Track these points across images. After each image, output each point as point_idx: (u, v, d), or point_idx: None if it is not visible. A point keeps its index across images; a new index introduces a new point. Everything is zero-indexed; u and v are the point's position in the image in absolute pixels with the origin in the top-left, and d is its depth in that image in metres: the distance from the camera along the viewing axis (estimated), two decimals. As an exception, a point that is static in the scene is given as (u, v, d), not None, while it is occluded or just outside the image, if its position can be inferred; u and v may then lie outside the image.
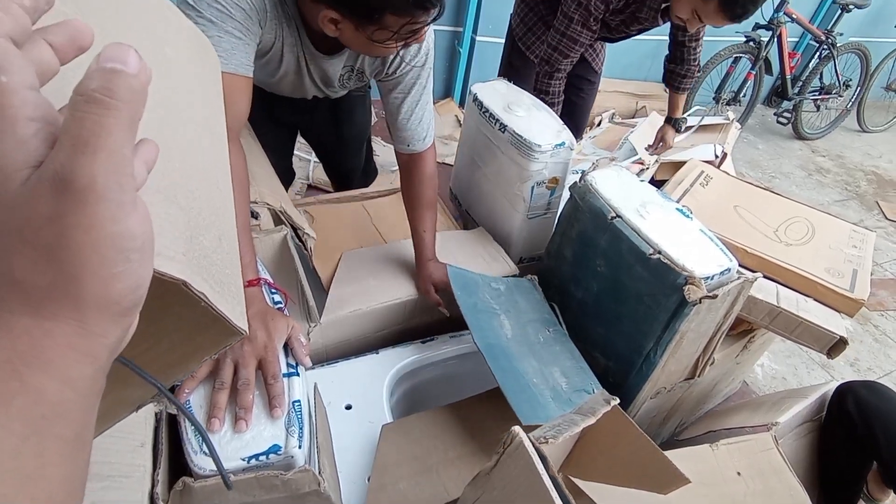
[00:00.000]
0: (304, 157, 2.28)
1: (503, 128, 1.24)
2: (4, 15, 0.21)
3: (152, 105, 0.32)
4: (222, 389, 0.64)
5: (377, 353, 1.12)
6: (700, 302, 0.91)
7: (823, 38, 3.22)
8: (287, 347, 0.73)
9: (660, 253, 0.95)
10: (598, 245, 1.07)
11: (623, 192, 1.07)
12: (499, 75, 1.92)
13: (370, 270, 1.15)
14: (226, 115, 0.51)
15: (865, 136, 3.87)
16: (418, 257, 1.16)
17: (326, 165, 1.65)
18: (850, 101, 3.61)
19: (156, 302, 0.33)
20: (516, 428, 0.58)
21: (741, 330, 1.24)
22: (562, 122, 1.27)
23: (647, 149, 1.92)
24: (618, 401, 0.79)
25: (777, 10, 2.92)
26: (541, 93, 1.58)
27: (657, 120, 2.58)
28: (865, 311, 2.30)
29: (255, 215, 0.95)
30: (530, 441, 0.57)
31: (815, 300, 1.17)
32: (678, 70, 1.80)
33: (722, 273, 0.94)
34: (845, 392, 1.18)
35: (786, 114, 3.42)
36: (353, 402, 1.03)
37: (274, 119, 1.27)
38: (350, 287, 1.11)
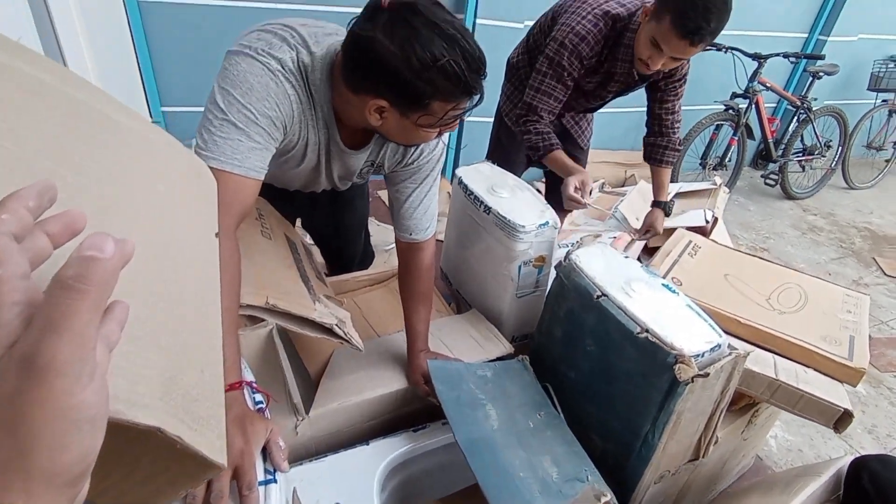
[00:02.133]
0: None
1: (487, 209, 1.27)
2: (10, 216, 0.26)
3: (142, 245, 0.34)
4: (193, 503, 0.61)
5: (367, 444, 1.08)
6: (692, 381, 0.89)
7: (799, 103, 3.35)
8: (266, 451, 0.71)
9: (647, 331, 0.94)
10: (586, 324, 1.06)
11: (608, 270, 1.07)
12: (487, 153, 1.99)
13: (360, 364, 1.13)
14: (228, 213, 0.54)
15: (854, 192, 3.93)
16: (410, 349, 1.15)
17: (324, 250, 1.67)
18: (834, 160, 3.71)
19: (133, 442, 0.34)
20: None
21: (743, 405, 1.20)
22: (545, 202, 1.30)
23: (632, 235, 1.88)
24: (608, 497, 0.75)
25: (751, 80, 3.06)
26: (525, 134, 1.57)
27: (645, 188, 2.63)
28: (877, 373, 2.23)
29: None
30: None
31: (815, 370, 1.14)
32: (658, 142, 1.76)
33: (712, 349, 0.93)
34: (860, 468, 1.12)
35: (772, 175, 3.50)
36: (342, 498, 0.99)
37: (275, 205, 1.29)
38: (340, 380, 1.09)
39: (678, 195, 2.58)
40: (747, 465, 1.58)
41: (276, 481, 0.65)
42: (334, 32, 0.91)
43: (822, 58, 3.27)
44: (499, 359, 1.24)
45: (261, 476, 0.65)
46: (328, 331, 0.99)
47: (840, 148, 3.67)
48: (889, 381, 2.19)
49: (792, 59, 3.07)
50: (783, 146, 3.45)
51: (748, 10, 3.28)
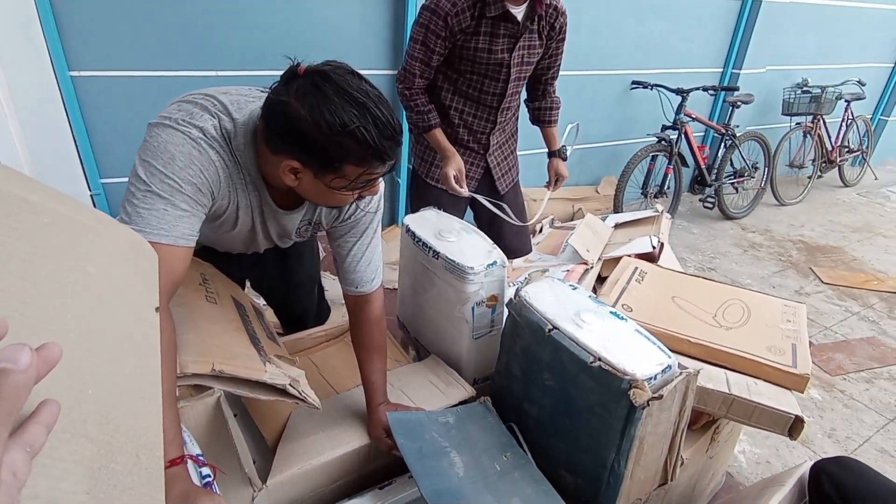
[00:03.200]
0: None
1: (436, 254, 1.28)
2: None
3: (71, 333, 0.33)
4: None
5: (334, 510, 1.04)
6: (648, 404, 0.91)
7: (724, 131, 3.59)
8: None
9: (600, 360, 0.95)
10: (542, 359, 1.07)
11: (557, 303, 1.10)
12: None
13: (319, 424, 1.10)
14: (160, 282, 0.52)
15: (785, 208, 4.18)
16: (369, 403, 1.14)
17: (277, 310, 1.63)
18: (763, 180, 3.95)
19: None
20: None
21: (703, 423, 1.22)
22: (492, 242, 1.33)
23: (546, 187, 2.05)
24: None
25: (678, 113, 3.28)
26: (409, 111, 1.63)
27: (592, 220, 2.72)
28: (828, 377, 2.32)
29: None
30: None
31: (764, 380, 1.18)
32: (544, 105, 1.89)
33: (664, 371, 0.95)
34: (819, 473, 1.15)
35: (709, 199, 3.69)
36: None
37: (220, 268, 1.26)
38: (298, 443, 1.05)
39: (621, 225, 2.69)
40: (719, 484, 1.59)
41: (227, 560, 0.61)
42: (257, 98, 0.93)
43: (736, 89, 3.54)
44: (461, 403, 1.23)
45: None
46: (282, 391, 0.96)
47: (766, 168, 3.92)
48: (840, 385, 2.28)
49: (710, 92, 3.31)
50: (716, 171, 3.67)
51: (669, 49, 3.55)
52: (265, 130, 0.86)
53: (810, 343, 2.50)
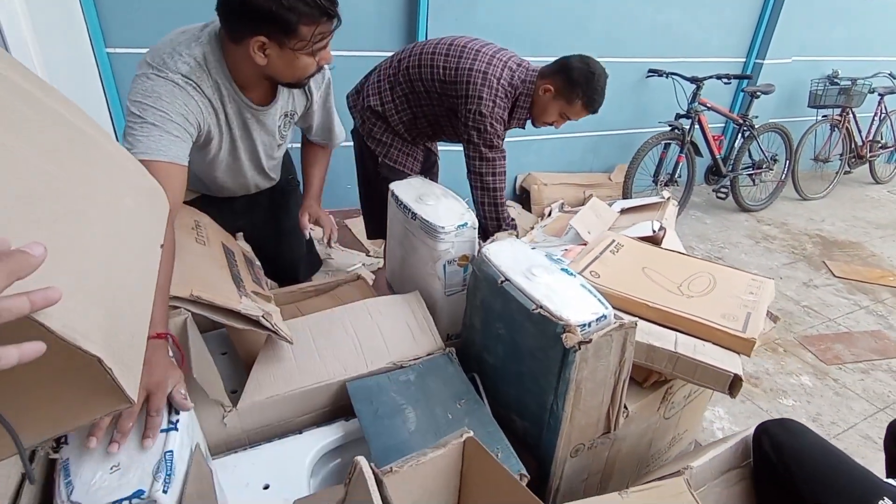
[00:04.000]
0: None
1: (414, 216, 1.38)
2: None
3: (108, 238, 0.57)
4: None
5: (300, 433, 1.16)
6: (579, 348, 0.99)
7: (741, 121, 3.56)
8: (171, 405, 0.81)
9: (541, 307, 1.04)
10: (496, 309, 1.16)
11: (513, 259, 1.18)
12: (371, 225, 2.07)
13: (294, 355, 1.22)
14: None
15: (807, 203, 4.10)
16: (305, 194, 1.55)
17: (272, 263, 1.75)
18: (783, 173, 3.89)
19: (65, 368, 0.48)
20: (359, 458, 0.64)
21: (653, 381, 1.29)
22: (466, 206, 1.42)
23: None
24: (470, 433, 0.83)
25: (692, 101, 3.27)
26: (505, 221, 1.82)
27: (597, 203, 2.76)
28: (823, 366, 2.32)
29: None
30: (370, 468, 0.63)
31: (714, 343, 1.24)
32: None
33: (598, 320, 1.03)
34: (761, 434, 1.20)
35: (723, 189, 3.67)
36: (272, 481, 1.06)
37: (215, 219, 1.42)
38: (271, 368, 1.17)
39: (627, 210, 2.72)
40: (685, 453, 1.65)
41: (177, 430, 0.73)
42: (209, 23, 1.12)
43: (750, 78, 3.50)
44: (429, 355, 1.32)
45: (164, 425, 0.73)
46: (255, 323, 1.08)
47: (787, 161, 3.86)
48: (834, 373, 2.28)
49: (725, 81, 3.28)
50: (732, 161, 3.63)
51: (687, 38, 3.53)
52: (226, 26, 1.05)
53: (811, 334, 2.51)
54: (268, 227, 1.59)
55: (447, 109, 1.71)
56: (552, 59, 3.14)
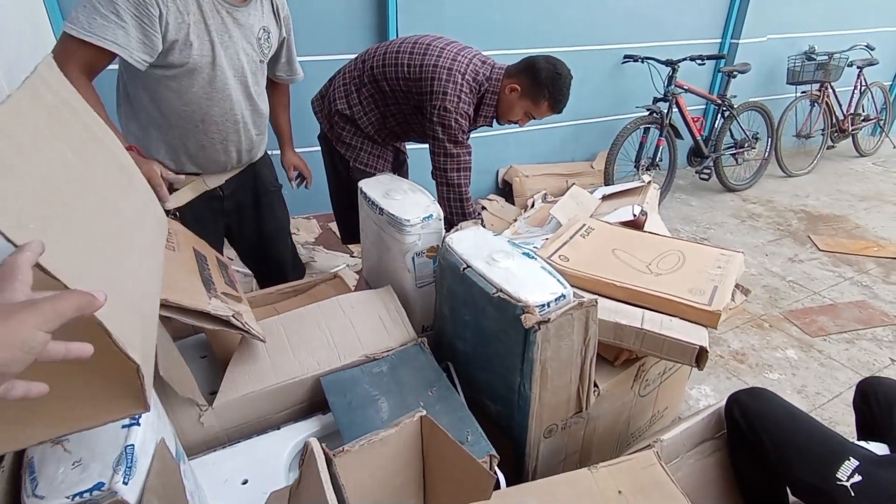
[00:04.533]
0: (247, 273, 2.43)
1: (381, 211, 1.40)
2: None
3: (142, 261, 0.73)
4: None
5: (279, 428, 1.18)
6: (539, 328, 1.01)
7: (720, 102, 3.58)
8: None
9: (501, 291, 1.06)
10: (460, 296, 1.18)
11: (475, 246, 1.20)
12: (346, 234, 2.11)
13: (269, 347, 1.24)
14: (83, 72, 1.13)
15: (792, 180, 4.12)
16: (284, 145, 1.76)
17: (260, 265, 1.80)
18: (766, 151, 3.91)
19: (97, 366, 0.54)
20: (311, 439, 0.66)
21: (624, 359, 1.31)
22: (432, 199, 1.44)
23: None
24: (423, 412, 0.86)
25: (668, 84, 3.29)
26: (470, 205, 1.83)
27: (578, 192, 2.77)
28: (808, 338, 2.34)
29: None
30: (321, 449, 0.65)
31: (680, 318, 1.26)
32: None
33: (557, 300, 1.05)
34: (732, 403, 1.23)
35: (706, 170, 3.68)
36: (251, 476, 1.08)
37: (205, 223, 1.49)
38: (246, 367, 1.19)
39: (609, 197, 2.74)
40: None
41: (139, 425, 0.75)
42: None
43: (724, 58, 3.52)
44: (402, 346, 1.34)
45: (125, 421, 0.75)
46: (226, 323, 1.10)
47: (769, 139, 3.88)
48: (819, 345, 2.30)
49: (699, 62, 3.30)
50: (713, 142, 3.65)
51: (662, 22, 3.55)
52: None
53: (796, 308, 2.53)
54: (254, 228, 1.63)
55: (413, 108, 1.73)
56: (525, 52, 3.16)
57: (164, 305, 1.02)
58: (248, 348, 1.23)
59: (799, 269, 2.89)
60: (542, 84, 1.69)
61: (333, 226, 2.96)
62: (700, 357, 1.18)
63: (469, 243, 1.22)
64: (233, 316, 1.10)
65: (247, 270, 2.41)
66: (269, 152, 1.65)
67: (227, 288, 1.25)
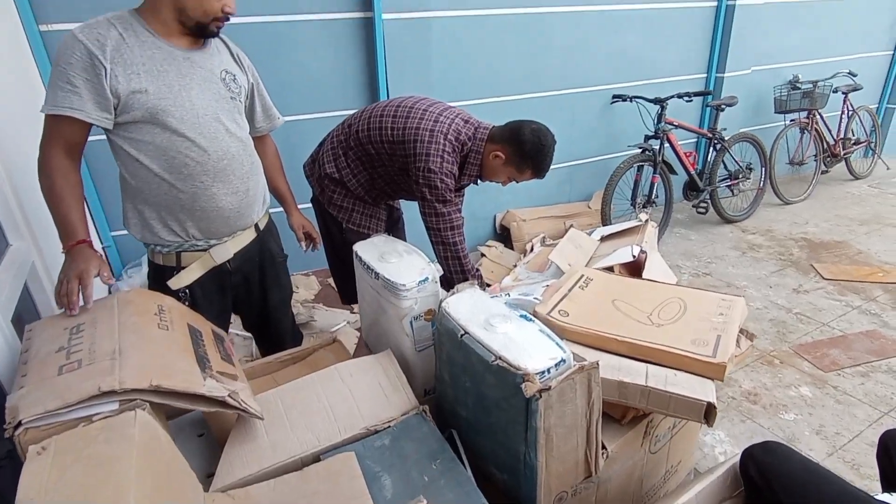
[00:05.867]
0: (246, 336, 2.41)
1: (377, 275, 1.40)
2: None
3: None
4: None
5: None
6: (540, 395, 0.99)
7: (710, 135, 3.62)
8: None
9: (500, 358, 1.04)
10: (460, 363, 1.16)
11: (472, 311, 1.19)
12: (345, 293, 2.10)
13: (267, 423, 1.20)
14: (59, 145, 1.23)
15: (789, 207, 4.13)
16: (289, 208, 1.79)
17: (261, 334, 1.78)
18: (761, 181, 3.93)
19: None
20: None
21: (631, 417, 1.27)
22: (428, 260, 1.43)
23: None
24: (423, 501, 0.82)
25: (658, 122, 3.33)
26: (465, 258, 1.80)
27: (576, 235, 2.78)
28: (821, 374, 2.29)
29: None
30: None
31: (686, 372, 1.23)
32: None
33: (557, 364, 1.03)
34: (747, 459, 1.18)
35: (702, 204, 3.70)
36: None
37: (213, 297, 1.49)
38: (243, 448, 1.16)
39: (607, 237, 2.74)
40: (683, 484, 1.61)
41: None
42: None
43: (711, 93, 3.59)
44: (403, 414, 1.31)
45: None
46: (222, 403, 1.08)
47: (763, 168, 3.91)
48: (833, 381, 2.25)
49: (686, 99, 3.36)
50: (707, 175, 3.68)
51: (647, 61, 3.64)
52: None
53: (805, 342, 2.48)
54: (259, 299, 1.62)
55: (399, 169, 1.75)
56: (513, 99, 3.22)
57: (158, 392, 1.01)
58: (245, 426, 1.21)
59: (805, 300, 2.86)
60: (527, 155, 1.73)
61: (332, 281, 2.96)
62: (709, 413, 1.15)
63: (466, 307, 1.20)
64: (228, 395, 1.08)
65: (246, 334, 2.40)
66: (272, 211, 1.65)
67: (222, 365, 1.23)
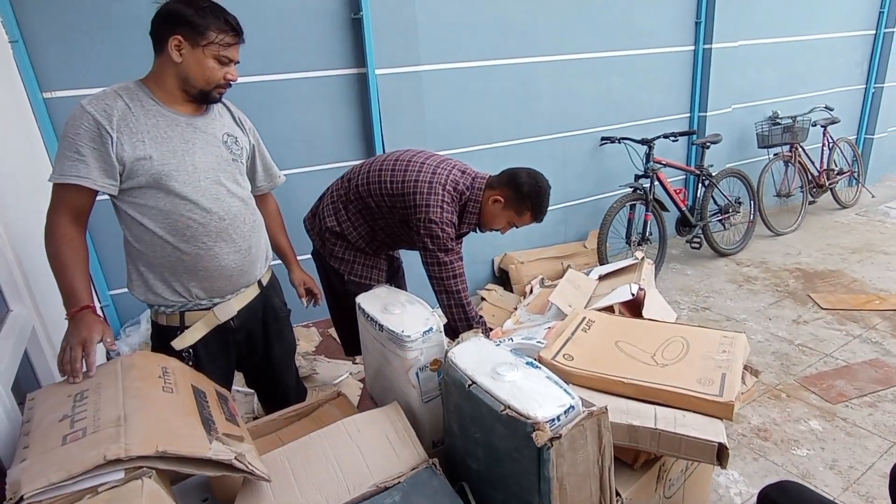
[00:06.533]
0: (247, 392, 2.38)
1: (381, 327, 1.40)
2: None
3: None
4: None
5: (287, 579, 1.10)
6: (551, 444, 0.98)
7: (698, 172, 3.71)
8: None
9: (508, 408, 1.04)
10: (468, 413, 1.15)
11: (478, 360, 1.19)
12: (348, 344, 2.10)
13: (275, 485, 1.18)
14: (66, 211, 1.27)
15: (781, 238, 4.18)
16: (290, 264, 1.80)
17: (264, 390, 1.77)
18: (751, 214, 4.00)
19: None
20: None
21: (643, 461, 1.26)
22: (431, 310, 1.44)
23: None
24: None
25: (647, 161, 3.42)
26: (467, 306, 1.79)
27: (575, 276, 2.79)
28: (829, 406, 2.27)
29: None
30: None
31: (694, 412, 1.23)
32: None
33: (566, 412, 1.02)
34: (763, 501, 1.16)
35: (696, 239, 3.75)
36: None
37: (216, 356, 1.49)
38: (250, 514, 1.13)
39: (605, 276, 2.76)
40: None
41: None
42: None
43: (694, 133, 3.71)
44: (413, 469, 1.29)
45: None
46: (229, 467, 1.06)
47: (752, 202, 3.98)
48: (842, 412, 2.23)
49: (672, 139, 3.46)
50: (698, 211, 3.74)
51: (631, 102, 3.76)
52: (153, 38, 1.29)
53: (810, 373, 2.47)
54: (263, 356, 1.62)
55: (399, 221, 1.78)
56: (504, 146, 3.30)
57: (165, 458, 0.99)
58: (252, 489, 1.18)
59: (805, 331, 2.86)
60: (526, 196, 1.78)
61: (333, 332, 2.95)
62: (721, 454, 1.13)
63: (472, 357, 1.20)
64: (235, 458, 1.06)
65: (248, 390, 2.37)
66: (272, 264, 1.66)
67: (227, 426, 1.22)
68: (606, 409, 1.06)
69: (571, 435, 1.01)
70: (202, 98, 1.36)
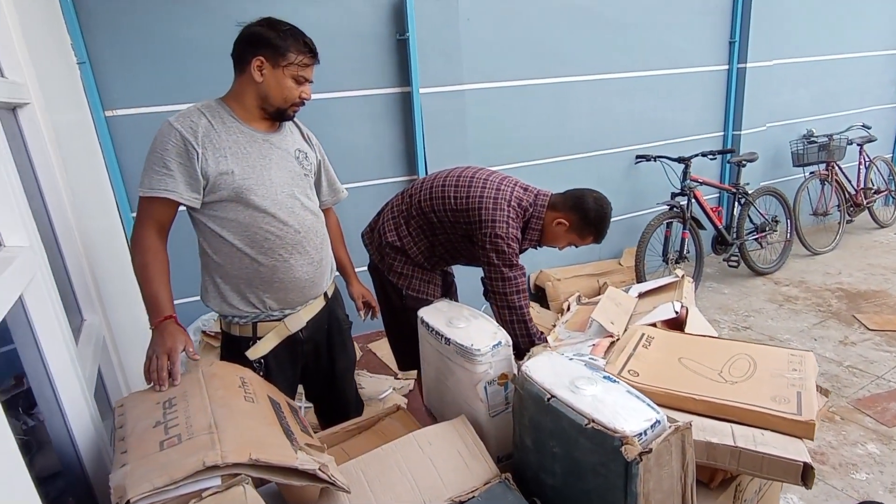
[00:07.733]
0: (305, 406, 2.39)
1: (448, 341, 1.41)
2: None
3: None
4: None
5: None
6: (640, 458, 0.98)
7: (735, 190, 3.69)
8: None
9: (593, 421, 1.04)
10: (546, 427, 1.15)
11: (555, 374, 1.20)
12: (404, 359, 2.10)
13: (353, 497, 1.18)
14: (152, 223, 1.32)
15: (819, 258, 4.13)
16: (349, 277, 1.83)
17: (324, 403, 1.77)
18: (788, 232, 3.96)
19: None
20: None
21: (720, 480, 1.24)
22: (496, 324, 1.45)
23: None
24: None
25: (684, 179, 3.42)
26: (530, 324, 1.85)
27: (615, 293, 2.78)
28: (885, 429, 2.22)
29: None
30: None
31: (771, 431, 1.21)
32: None
33: (653, 426, 1.02)
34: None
35: (733, 258, 3.71)
36: None
37: (285, 367, 1.52)
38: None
39: (645, 294, 2.74)
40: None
41: None
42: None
43: (732, 151, 3.70)
44: (486, 483, 1.29)
45: None
46: (313, 477, 1.07)
47: (788, 220, 3.94)
48: (899, 435, 2.17)
49: (710, 157, 3.45)
50: (735, 229, 3.72)
51: (665, 122, 3.78)
52: (235, 59, 1.37)
53: (863, 396, 2.42)
54: (327, 368, 1.64)
55: (461, 236, 1.80)
56: (543, 163, 3.33)
57: (256, 466, 1.01)
58: (329, 500, 1.19)
59: (854, 353, 2.81)
60: (591, 222, 1.82)
61: (373, 347, 2.97)
62: (806, 474, 1.12)
63: (547, 371, 1.21)
64: (319, 469, 1.08)
65: (306, 403, 2.39)
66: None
67: (305, 437, 1.23)
68: (691, 424, 1.05)
69: (658, 450, 1.00)
70: (278, 116, 1.41)
